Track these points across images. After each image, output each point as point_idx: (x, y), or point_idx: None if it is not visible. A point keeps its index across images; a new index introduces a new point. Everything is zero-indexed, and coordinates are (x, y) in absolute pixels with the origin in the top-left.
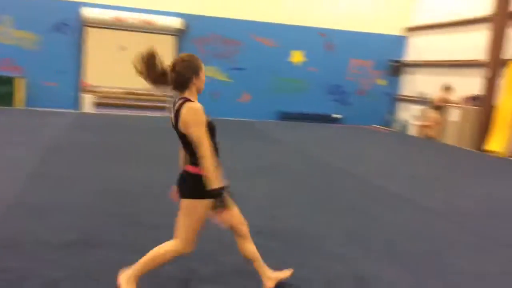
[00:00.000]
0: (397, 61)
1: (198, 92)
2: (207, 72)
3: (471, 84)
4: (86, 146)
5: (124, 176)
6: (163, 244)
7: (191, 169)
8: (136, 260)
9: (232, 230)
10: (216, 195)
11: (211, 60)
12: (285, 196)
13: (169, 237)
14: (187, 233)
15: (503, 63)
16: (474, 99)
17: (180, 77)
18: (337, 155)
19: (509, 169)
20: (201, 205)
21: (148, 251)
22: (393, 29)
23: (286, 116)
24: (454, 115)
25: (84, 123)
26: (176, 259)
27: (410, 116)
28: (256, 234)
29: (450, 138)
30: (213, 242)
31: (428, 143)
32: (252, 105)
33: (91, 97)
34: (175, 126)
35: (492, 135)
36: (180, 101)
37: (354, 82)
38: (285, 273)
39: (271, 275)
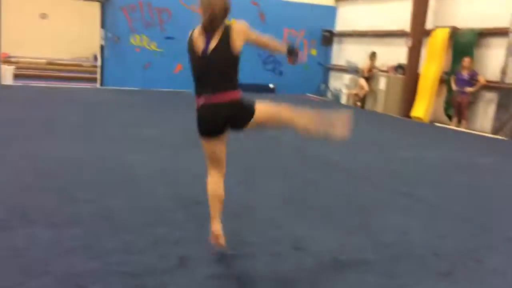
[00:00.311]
0: (328, 31)
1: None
2: (135, 41)
3: (396, 53)
4: (7, 121)
5: (50, 150)
6: (221, 186)
7: (237, 94)
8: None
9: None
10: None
11: (140, 29)
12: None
13: (103, 210)
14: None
15: (426, 33)
16: (399, 68)
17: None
18: None
19: (431, 133)
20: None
21: (86, 223)
22: None
23: None
24: (381, 83)
25: (5, 96)
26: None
27: (342, 85)
28: (196, 204)
29: (379, 106)
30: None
31: (358, 111)
32: (186, 76)
33: (10, 68)
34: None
35: (416, 102)
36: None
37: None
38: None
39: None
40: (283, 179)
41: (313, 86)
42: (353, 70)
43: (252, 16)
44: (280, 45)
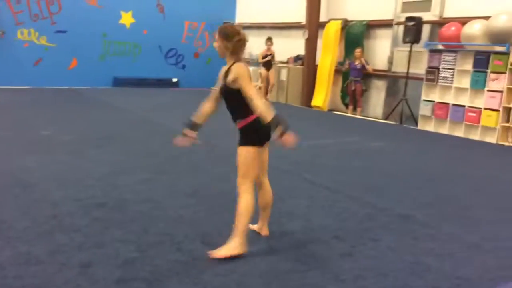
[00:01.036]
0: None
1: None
2: (23, 36)
3: (295, 45)
4: None
5: None
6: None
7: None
8: None
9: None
10: (276, 123)
11: (28, 22)
12: (125, 164)
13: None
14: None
15: (321, 25)
16: (298, 59)
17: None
18: (177, 119)
19: (330, 122)
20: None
21: None
22: None
23: (122, 82)
24: (283, 74)
25: None
26: None
27: None
28: (99, 207)
29: (281, 96)
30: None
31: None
32: (81, 72)
33: None
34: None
35: (316, 92)
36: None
37: (189, 45)
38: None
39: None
40: (192, 175)
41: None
42: (256, 63)
43: (150, 8)
44: (266, 112)
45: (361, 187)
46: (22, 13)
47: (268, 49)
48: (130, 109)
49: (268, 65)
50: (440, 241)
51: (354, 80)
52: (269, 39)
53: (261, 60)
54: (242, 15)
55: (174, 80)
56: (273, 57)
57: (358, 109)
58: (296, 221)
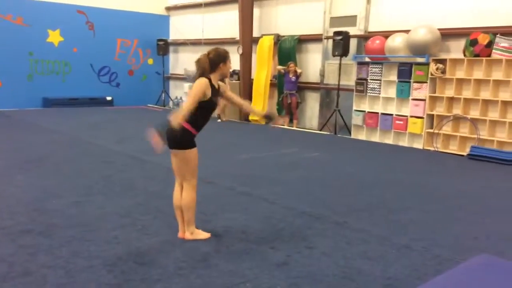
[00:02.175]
0: (163, 41)
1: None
2: None
3: (231, 60)
4: None
5: None
6: (184, 194)
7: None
8: None
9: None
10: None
11: None
12: (55, 187)
13: None
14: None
15: (254, 40)
16: (234, 74)
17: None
18: (112, 138)
19: (267, 135)
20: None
21: None
22: (156, 8)
23: (52, 102)
24: None
25: None
26: None
27: (183, 93)
28: (25, 233)
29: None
30: None
31: None
32: (8, 93)
33: None
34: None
35: (252, 106)
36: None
37: (123, 62)
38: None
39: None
40: (126, 194)
41: (153, 96)
42: (191, 78)
43: (79, 25)
44: (257, 109)
45: (298, 197)
46: None
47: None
48: (60, 130)
49: None
50: (372, 244)
51: (289, 93)
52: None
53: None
54: (176, 32)
55: (108, 98)
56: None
57: (295, 121)
58: (232, 234)
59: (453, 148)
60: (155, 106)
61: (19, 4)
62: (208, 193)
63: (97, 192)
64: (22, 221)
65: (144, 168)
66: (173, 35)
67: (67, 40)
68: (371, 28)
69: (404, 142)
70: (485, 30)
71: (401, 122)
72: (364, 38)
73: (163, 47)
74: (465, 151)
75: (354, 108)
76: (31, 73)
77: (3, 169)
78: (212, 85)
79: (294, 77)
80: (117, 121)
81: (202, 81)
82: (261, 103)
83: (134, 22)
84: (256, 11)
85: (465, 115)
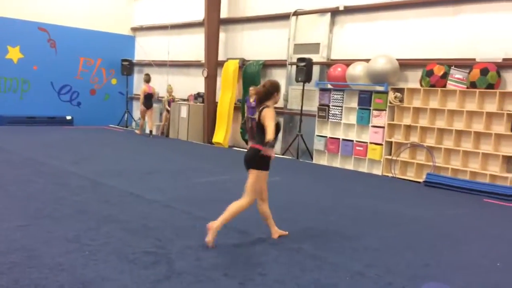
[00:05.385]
0: (127, 61)
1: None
2: None
3: (195, 82)
4: None
5: None
6: (238, 201)
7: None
8: None
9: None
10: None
11: None
12: (3, 209)
13: None
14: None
15: (219, 63)
16: (198, 96)
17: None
18: (68, 158)
19: (229, 158)
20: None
21: None
22: (122, 28)
23: (8, 121)
24: (183, 112)
25: None
26: None
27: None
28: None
29: (182, 133)
30: None
31: (164, 140)
32: None
33: None
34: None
35: (216, 128)
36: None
37: (85, 81)
38: (284, 232)
39: (277, 230)
40: (77, 218)
41: (116, 116)
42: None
43: (41, 43)
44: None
45: (256, 222)
46: None
47: (170, 95)
48: (13, 150)
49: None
50: (326, 271)
51: (250, 118)
52: (170, 87)
53: (168, 108)
54: (141, 53)
55: (68, 117)
56: (175, 100)
57: None
58: (187, 260)
59: (410, 174)
60: (117, 126)
61: None
62: (164, 219)
63: (46, 215)
64: None
65: (99, 191)
66: (138, 56)
67: (27, 57)
68: (334, 56)
69: (364, 168)
70: (441, 61)
71: (361, 148)
72: (326, 65)
73: (128, 68)
74: (422, 178)
75: (316, 133)
76: None
77: None
78: None
79: (254, 102)
80: (75, 141)
81: (271, 109)
82: (224, 126)
83: (99, 41)
84: (222, 35)
85: (421, 143)
